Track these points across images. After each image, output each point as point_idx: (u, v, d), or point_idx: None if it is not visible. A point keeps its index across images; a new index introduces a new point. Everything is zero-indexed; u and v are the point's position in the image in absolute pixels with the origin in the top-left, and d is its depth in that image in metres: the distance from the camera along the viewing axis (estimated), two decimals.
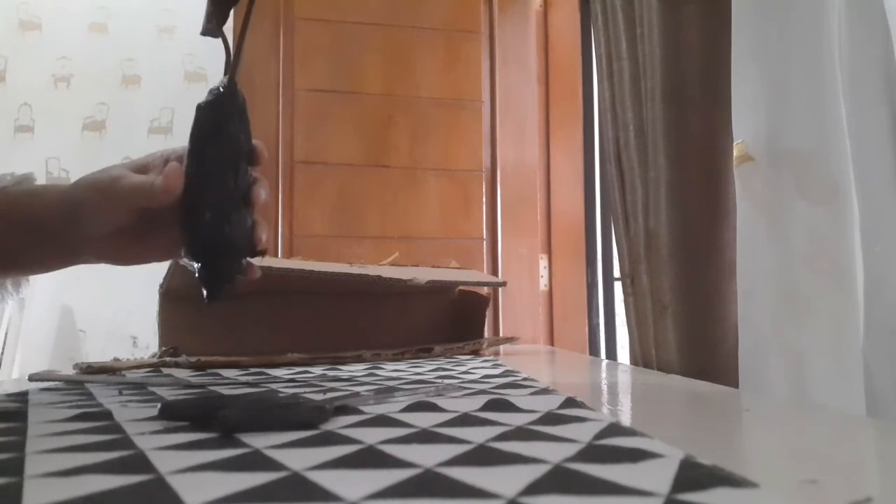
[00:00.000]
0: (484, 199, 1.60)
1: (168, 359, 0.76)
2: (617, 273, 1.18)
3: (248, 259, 0.48)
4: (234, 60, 0.48)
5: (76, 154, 2.27)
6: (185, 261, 0.48)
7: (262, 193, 0.47)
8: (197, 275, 0.47)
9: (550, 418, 0.36)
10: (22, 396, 0.49)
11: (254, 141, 0.48)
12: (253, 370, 0.73)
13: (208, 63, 2.38)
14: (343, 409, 0.39)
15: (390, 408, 0.40)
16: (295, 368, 0.74)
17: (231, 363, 0.75)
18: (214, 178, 0.46)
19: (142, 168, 0.50)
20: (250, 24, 0.48)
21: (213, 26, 0.49)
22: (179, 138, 2.31)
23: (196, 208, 0.46)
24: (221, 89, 0.47)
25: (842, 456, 0.31)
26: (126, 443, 0.30)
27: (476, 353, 0.93)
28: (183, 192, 0.46)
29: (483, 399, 0.43)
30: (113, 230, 0.48)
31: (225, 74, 0.47)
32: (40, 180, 0.54)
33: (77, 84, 2.34)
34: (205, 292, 0.47)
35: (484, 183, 1.61)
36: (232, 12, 0.50)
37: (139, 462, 0.27)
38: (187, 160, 0.47)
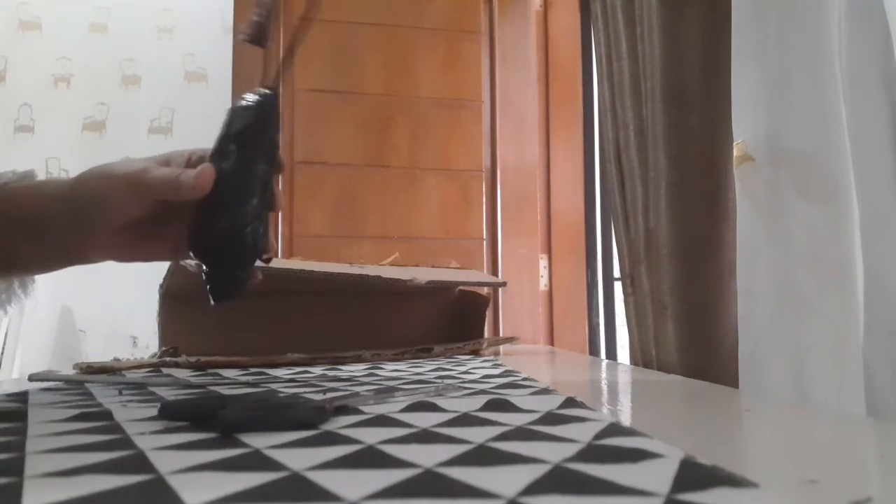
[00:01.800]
0: (484, 199, 1.60)
1: (168, 359, 0.76)
2: (617, 273, 1.18)
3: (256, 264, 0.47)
4: (283, 65, 0.48)
5: (76, 154, 2.27)
6: (188, 262, 0.47)
7: (282, 201, 0.48)
8: (204, 277, 0.46)
9: (550, 418, 0.36)
10: (22, 396, 0.49)
11: None
12: (253, 370, 0.73)
13: (208, 63, 2.38)
14: (343, 409, 0.39)
15: (390, 408, 0.40)
16: (295, 368, 0.74)
17: (231, 363, 0.75)
18: (247, 181, 0.45)
19: (164, 163, 0.49)
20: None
21: (254, 35, 0.48)
22: (179, 138, 2.32)
23: (217, 208, 0.45)
24: (267, 92, 0.46)
25: (842, 456, 0.31)
26: (126, 443, 0.30)
27: (476, 353, 0.93)
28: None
29: (483, 399, 0.43)
30: (124, 223, 0.47)
31: (264, 80, 0.47)
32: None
33: (77, 84, 2.34)
34: (211, 295, 0.46)
35: (484, 183, 1.61)
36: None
37: (139, 462, 0.27)
38: (218, 159, 0.46)
